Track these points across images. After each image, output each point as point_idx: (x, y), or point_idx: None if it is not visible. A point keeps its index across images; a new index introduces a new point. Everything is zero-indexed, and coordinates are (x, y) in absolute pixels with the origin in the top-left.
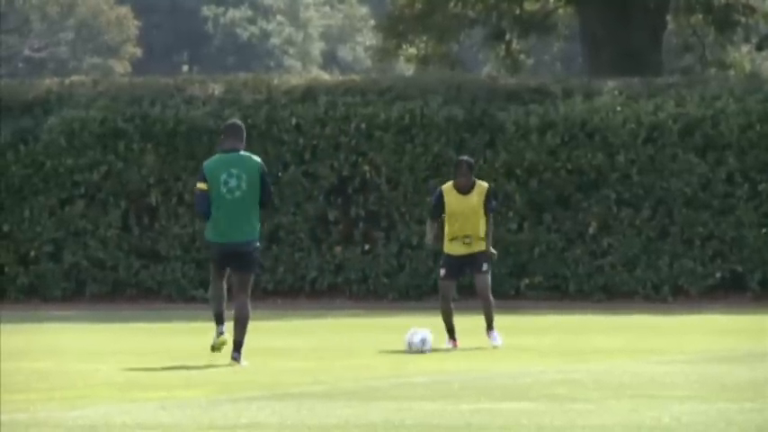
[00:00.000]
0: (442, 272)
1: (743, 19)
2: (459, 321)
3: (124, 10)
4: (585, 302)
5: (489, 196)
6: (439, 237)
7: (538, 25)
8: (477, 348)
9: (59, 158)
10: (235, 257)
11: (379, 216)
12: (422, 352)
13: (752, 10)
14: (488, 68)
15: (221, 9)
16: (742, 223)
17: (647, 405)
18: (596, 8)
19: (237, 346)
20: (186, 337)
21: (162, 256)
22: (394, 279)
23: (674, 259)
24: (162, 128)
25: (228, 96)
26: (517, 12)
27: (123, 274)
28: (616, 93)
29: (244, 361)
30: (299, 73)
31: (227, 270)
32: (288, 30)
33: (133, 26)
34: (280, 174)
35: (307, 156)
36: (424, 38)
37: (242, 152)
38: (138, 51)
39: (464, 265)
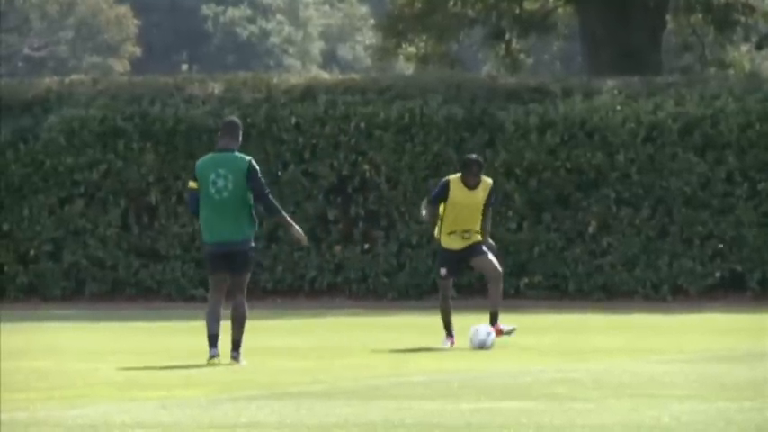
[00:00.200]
0: (443, 271)
1: (742, 18)
2: (458, 320)
3: (124, 9)
4: (585, 302)
5: (492, 192)
6: (434, 216)
7: (537, 25)
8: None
9: (59, 157)
10: (227, 258)
11: (379, 215)
12: (483, 345)
13: (751, 9)
14: (488, 68)
15: (221, 8)
16: (741, 223)
17: (647, 404)
18: (596, 7)
19: (236, 345)
20: (186, 337)
21: (161, 255)
22: (393, 278)
23: (673, 259)
24: (161, 127)
25: (228, 95)
26: (517, 11)
27: (123, 273)
28: (615, 92)
29: (243, 360)
30: (299, 72)
31: (226, 279)
32: (287, 29)
33: (133, 25)
34: (279, 173)
35: (306, 155)
36: (424, 37)
37: (234, 152)
38: (138, 50)
39: (461, 260)
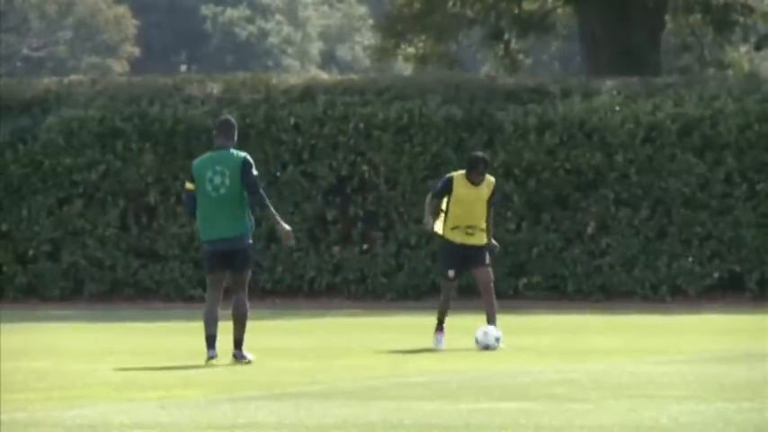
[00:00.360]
0: (451, 273)
1: (741, 19)
2: (459, 320)
3: (122, 9)
4: (584, 302)
5: (495, 190)
6: (437, 212)
7: (536, 25)
8: (474, 348)
9: (58, 158)
10: (227, 256)
11: (378, 216)
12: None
13: (750, 10)
14: (487, 68)
15: (220, 8)
16: (740, 223)
17: (646, 405)
18: (595, 8)
19: (238, 343)
20: (184, 337)
21: (160, 255)
22: (392, 279)
23: (672, 259)
24: (160, 127)
25: (227, 96)
26: (516, 11)
27: (121, 273)
28: (614, 92)
29: (249, 354)
30: (298, 72)
31: (224, 278)
32: (286, 29)
33: (131, 25)
34: (278, 173)
35: (305, 155)
36: (423, 37)
37: (230, 149)
38: (137, 51)
39: (466, 258)
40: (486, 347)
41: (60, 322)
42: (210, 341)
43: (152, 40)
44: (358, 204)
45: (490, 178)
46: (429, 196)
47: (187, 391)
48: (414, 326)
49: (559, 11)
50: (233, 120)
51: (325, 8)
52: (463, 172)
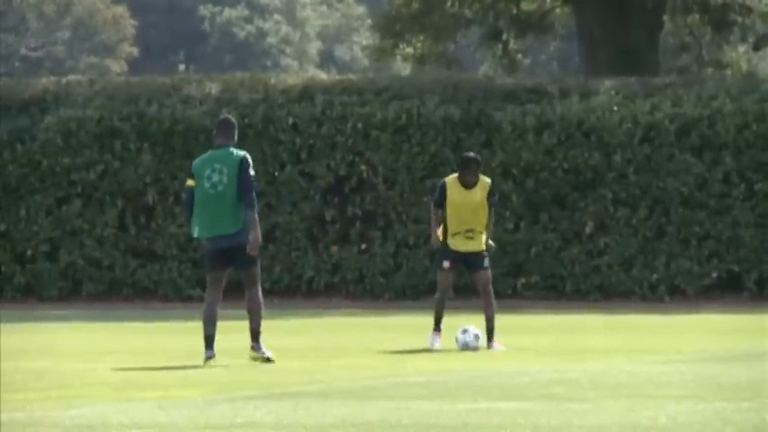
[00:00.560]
0: (446, 264)
1: (739, 19)
2: (458, 320)
3: (121, 9)
4: (582, 302)
5: (492, 191)
6: (441, 220)
7: (535, 25)
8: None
9: (56, 158)
10: (227, 255)
11: (376, 215)
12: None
13: (748, 10)
14: (485, 68)
15: (218, 8)
16: (738, 223)
17: (644, 405)
18: (593, 8)
19: (255, 335)
20: (183, 337)
21: (158, 255)
22: (390, 278)
23: (670, 259)
24: (158, 127)
25: (225, 96)
26: (514, 11)
27: (120, 273)
28: (613, 92)
29: (267, 351)
30: (296, 72)
31: (224, 277)
32: (285, 29)
33: (130, 25)
34: (276, 173)
35: (303, 155)
36: (421, 37)
37: (230, 148)
38: (135, 51)
39: (467, 263)
40: (466, 346)
41: (59, 322)
42: (209, 341)
43: (150, 41)
44: (356, 204)
45: (486, 179)
46: (432, 207)
47: (185, 391)
48: (412, 325)
49: (558, 11)
50: (233, 119)
51: (324, 8)
52: (456, 175)
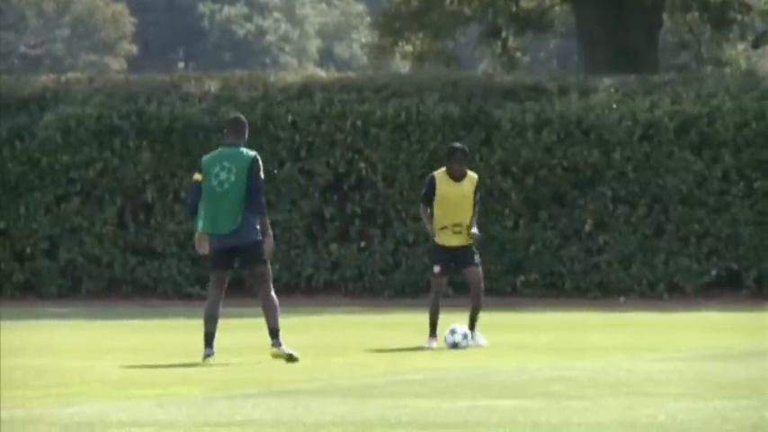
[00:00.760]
0: (437, 269)
1: (739, 16)
2: (455, 318)
3: (120, 7)
4: (581, 300)
5: (478, 187)
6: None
7: (534, 23)
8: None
9: (55, 155)
10: (232, 254)
11: (375, 213)
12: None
13: (748, 7)
14: (484, 66)
15: (217, 6)
16: (737, 221)
17: (643, 402)
18: (592, 6)
19: (274, 333)
20: (182, 335)
21: (158, 252)
22: (390, 276)
23: (669, 257)
24: (158, 125)
25: (224, 93)
26: (513, 9)
27: (119, 270)
28: (612, 90)
29: (288, 348)
30: (296, 70)
31: (226, 277)
32: (284, 27)
33: (129, 23)
34: (275, 171)
35: (302, 153)
36: (420, 35)
37: (240, 147)
38: (134, 48)
39: (455, 258)
40: (455, 346)
41: (58, 320)
42: (208, 339)
43: (149, 38)
44: (355, 202)
45: (473, 174)
46: (422, 206)
47: (185, 389)
48: (411, 323)
49: (557, 8)
50: (243, 118)
51: (323, 6)
52: (443, 169)
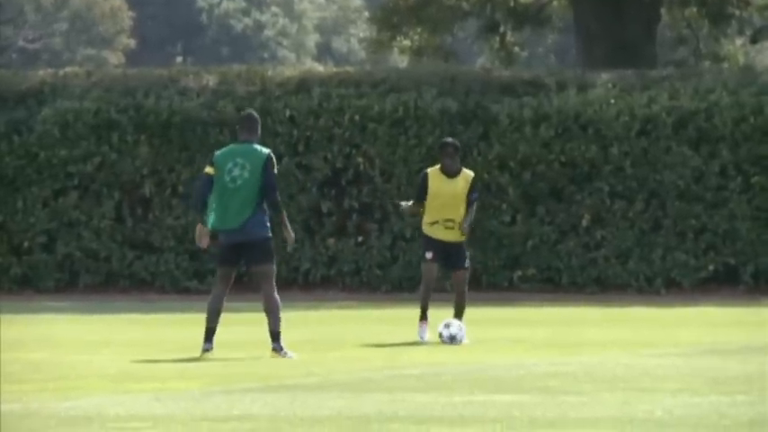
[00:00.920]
0: (429, 254)
1: (737, 12)
2: (445, 313)
3: (118, 1)
4: (578, 295)
5: (474, 185)
6: (414, 213)
7: (532, 18)
8: (469, 340)
9: (53, 149)
10: (240, 250)
11: (373, 208)
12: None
13: (746, 3)
14: (482, 60)
15: (216, 0)
16: (735, 216)
17: (640, 398)
18: (590, 1)
19: (274, 336)
20: (180, 329)
21: (155, 247)
22: (387, 271)
23: (667, 252)
24: (156, 119)
25: (222, 88)
26: (511, 4)
27: (117, 265)
28: (610, 85)
29: (290, 352)
30: (294, 64)
31: (232, 275)
32: (282, 21)
33: (127, 17)
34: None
35: (300, 147)
36: (419, 30)
37: (254, 144)
38: (132, 42)
39: (448, 253)
40: (452, 339)
41: (55, 314)
42: (209, 334)
43: (148, 32)
44: (353, 197)
45: (468, 172)
46: (413, 202)
47: (182, 384)
48: (408, 318)
49: (555, 3)
50: (256, 114)
51: (321, 0)
52: (438, 166)
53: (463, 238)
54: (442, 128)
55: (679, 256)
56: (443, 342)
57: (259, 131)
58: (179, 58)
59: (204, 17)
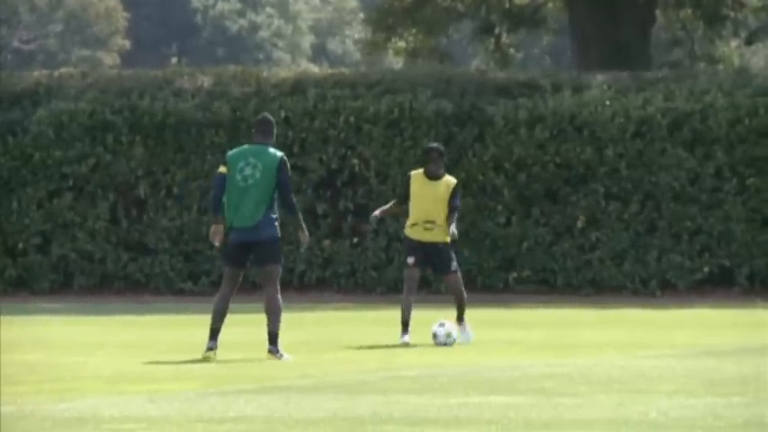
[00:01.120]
0: (411, 260)
1: (732, 13)
2: (448, 314)
3: (113, 2)
4: (574, 296)
5: (456, 192)
6: (395, 213)
7: (527, 19)
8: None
9: (48, 150)
10: (247, 250)
11: (368, 209)
12: (446, 344)
13: (740, 4)
14: (477, 62)
15: (210, 1)
16: (730, 218)
17: (635, 399)
18: (585, 3)
19: (272, 338)
20: (174, 330)
21: (150, 248)
22: (382, 273)
23: (662, 254)
24: (150, 120)
25: (217, 89)
26: (506, 5)
27: (111, 266)
28: (605, 87)
29: (285, 354)
30: (289, 66)
31: (239, 276)
32: (277, 22)
33: (122, 18)
34: None
35: (296, 149)
36: (414, 31)
37: (268, 146)
38: (127, 43)
39: (428, 254)
40: (449, 337)
41: (50, 315)
42: (213, 333)
43: (142, 33)
44: (348, 198)
45: (451, 179)
46: (393, 202)
47: (177, 385)
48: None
49: (550, 5)
50: (271, 118)
51: (316, 1)
52: (422, 169)
53: (446, 240)
54: (437, 129)
55: (674, 257)
56: (438, 342)
57: (274, 135)
58: (174, 59)
59: (199, 18)
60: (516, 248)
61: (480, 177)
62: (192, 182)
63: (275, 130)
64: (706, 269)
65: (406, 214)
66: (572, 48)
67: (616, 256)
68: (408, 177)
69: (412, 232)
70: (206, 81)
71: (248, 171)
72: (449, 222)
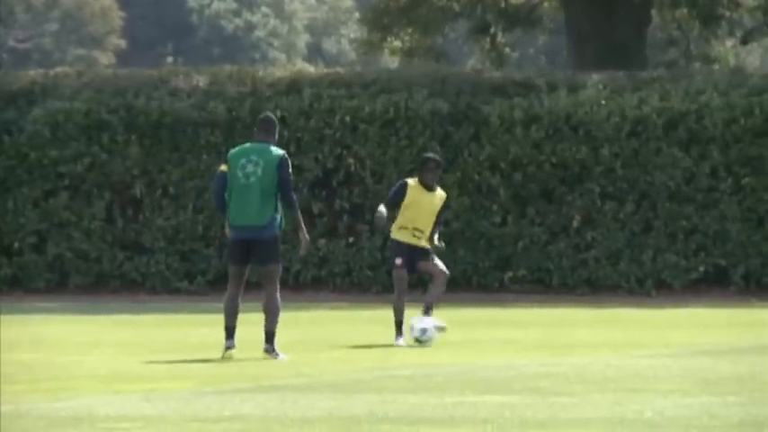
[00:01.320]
0: (399, 260)
1: (727, 13)
2: (446, 314)
3: (109, 1)
4: (569, 296)
5: (446, 206)
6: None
7: (523, 19)
8: (460, 341)
9: (43, 150)
10: (248, 247)
11: (364, 209)
12: (420, 342)
13: (736, 4)
14: (473, 61)
15: (206, 1)
16: (725, 217)
17: (631, 399)
18: (581, 2)
19: (269, 337)
20: (170, 330)
21: (146, 247)
22: (378, 272)
23: (657, 253)
24: (146, 119)
25: (213, 88)
26: (502, 5)
27: (107, 265)
28: (600, 86)
29: (281, 354)
30: (284, 65)
31: (243, 273)
32: (273, 22)
33: (118, 17)
34: None
35: (291, 148)
36: (409, 31)
37: (270, 145)
38: (123, 43)
39: (413, 257)
40: (423, 332)
41: (45, 314)
42: (228, 332)
43: (138, 33)
44: (344, 197)
45: (442, 192)
46: (381, 205)
47: (173, 384)
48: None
49: (546, 5)
50: (273, 117)
51: (312, 1)
52: (417, 179)
53: (429, 247)
54: (432, 129)
55: (670, 257)
56: (416, 336)
57: (276, 134)
58: (169, 59)
59: (195, 17)
60: (512, 248)
61: (476, 177)
62: (188, 181)
63: (277, 129)
64: (701, 269)
65: (392, 218)
66: (567, 47)
67: (611, 255)
68: (405, 185)
69: (400, 235)
70: (202, 80)
71: (250, 168)
72: (432, 234)
